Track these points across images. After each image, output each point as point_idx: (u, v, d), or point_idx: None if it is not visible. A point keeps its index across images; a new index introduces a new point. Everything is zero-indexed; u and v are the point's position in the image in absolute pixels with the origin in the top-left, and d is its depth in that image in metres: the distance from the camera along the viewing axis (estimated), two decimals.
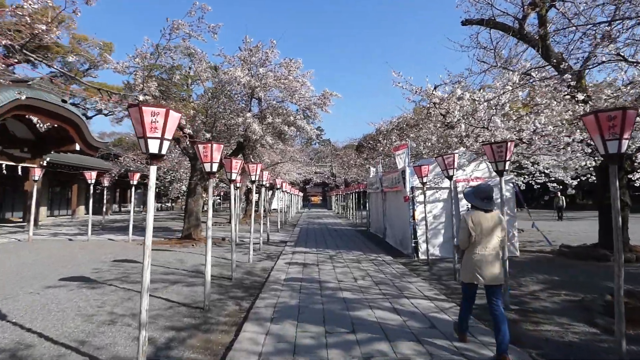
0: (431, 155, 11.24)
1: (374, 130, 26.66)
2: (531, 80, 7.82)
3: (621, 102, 7.14)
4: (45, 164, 15.57)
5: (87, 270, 7.06)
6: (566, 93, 7.11)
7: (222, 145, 5.11)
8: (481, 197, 3.58)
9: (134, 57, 10.29)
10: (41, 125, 14.04)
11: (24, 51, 5.70)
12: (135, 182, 12.29)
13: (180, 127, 11.35)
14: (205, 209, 16.82)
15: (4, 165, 13.50)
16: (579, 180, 10.84)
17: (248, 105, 12.03)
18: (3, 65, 6.12)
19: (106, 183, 15.32)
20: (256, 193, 14.25)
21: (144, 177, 18.84)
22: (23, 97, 10.57)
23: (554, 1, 8.22)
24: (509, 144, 4.87)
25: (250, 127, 10.63)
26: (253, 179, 8.95)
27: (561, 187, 9.95)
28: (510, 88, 7.10)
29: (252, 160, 14.60)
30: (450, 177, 6.81)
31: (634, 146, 8.42)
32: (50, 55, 27.76)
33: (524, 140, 7.39)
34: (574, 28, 8.50)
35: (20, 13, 5.02)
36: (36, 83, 11.59)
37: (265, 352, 3.46)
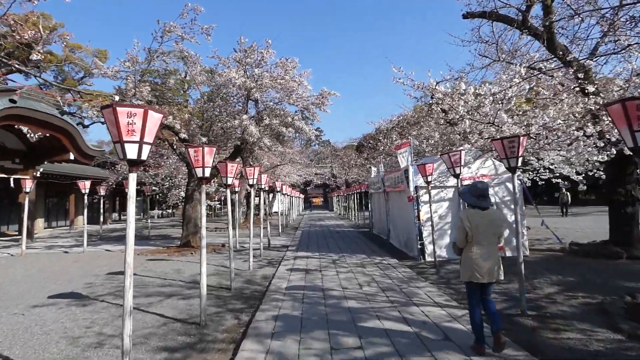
0: (434, 153, 10.92)
1: (373, 130, 26.40)
2: (538, 74, 7.52)
3: (629, 94, 6.85)
4: (38, 174, 15.26)
5: (79, 285, 6.73)
6: (576, 85, 6.79)
7: (215, 148, 4.79)
8: (477, 195, 3.61)
9: (124, 61, 10.00)
10: (32, 135, 13.78)
11: (8, 60, 5.42)
12: None
13: (175, 132, 11.04)
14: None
15: None
16: (583, 175, 10.53)
17: (244, 108, 11.73)
18: None
19: (102, 192, 14.98)
20: (256, 197, 13.95)
21: (140, 183, 18.58)
22: (16, 99, 10.27)
23: None
24: (521, 138, 4.56)
25: (247, 130, 10.33)
26: (251, 182, 8.64)
27: (567, 183, 9.61)
28: (518, 81, 6.78)
29: (251, 163, 14.31)
30: (457, 175, 6.51)
31: None
32: (43, 65, 27.55)
33: (531, 135, 7.09)
34: (580, 18, 8.23)
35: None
36: (26, 92, 11.29)
37: None
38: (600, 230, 11.82)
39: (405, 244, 10.10)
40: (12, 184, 13.52)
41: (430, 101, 9.57)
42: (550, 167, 10.52)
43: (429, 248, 8.52)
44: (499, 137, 5.22)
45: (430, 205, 8.29)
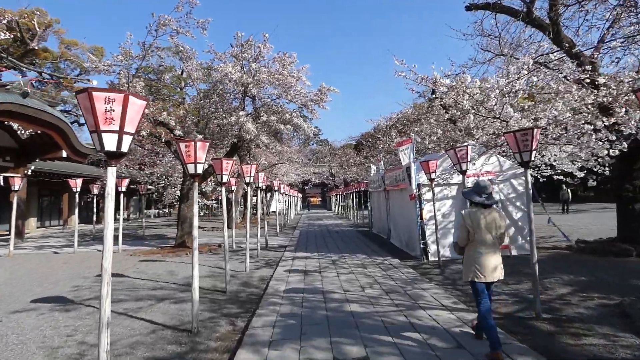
0: (437, 150, 10.62)
1: (372, 128, 26.11)
2: (545, 67, 7.24)
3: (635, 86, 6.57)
4: (29, 172, 14.86)
5: (65, 288, 6.39)
6: (586, 77, 6.50)
7: (208, 143, 4.46)
8: (480, 192, 3.56)
9: (117, 55, 9.66)
10: (23, 132, 13.37)
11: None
12: (123, 189, 11.58)
13: (170, 129, 10.69)
14: (201, 213, 16.17)
15: None
16: (585, 172, 10.27)
17: (241, 104, 11.39)
18: None
19: (96, 191, 14.56)
20: (253, 196, 13.62)
21: (135, 182, 18.18)
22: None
23: None
24: (535, 131, 4.26)
25: (244, 127, 10.00)
26: (248, 180, 8.33)
27: (577, 179, 9.32)
28: (526, 72, 6.49)
29: (248, 161, 13.98)
30: (463, 172, 6.21)
31: None
32: (38, 61, 27.08)
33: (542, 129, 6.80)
34: (585, 10, 7.96)
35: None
36: (15, 87, 10.91)
37: None
38: (603, 227, 11.58)
39: (406, 244, 9.81)
40: (1, 182, 13.12)
41: (433, 96, 9.26)
42: (553, 163, 10.24)
43: (431, 247, 8.24)
44: (509, 130, 4.93)
45: (434, 203, 8.01)
